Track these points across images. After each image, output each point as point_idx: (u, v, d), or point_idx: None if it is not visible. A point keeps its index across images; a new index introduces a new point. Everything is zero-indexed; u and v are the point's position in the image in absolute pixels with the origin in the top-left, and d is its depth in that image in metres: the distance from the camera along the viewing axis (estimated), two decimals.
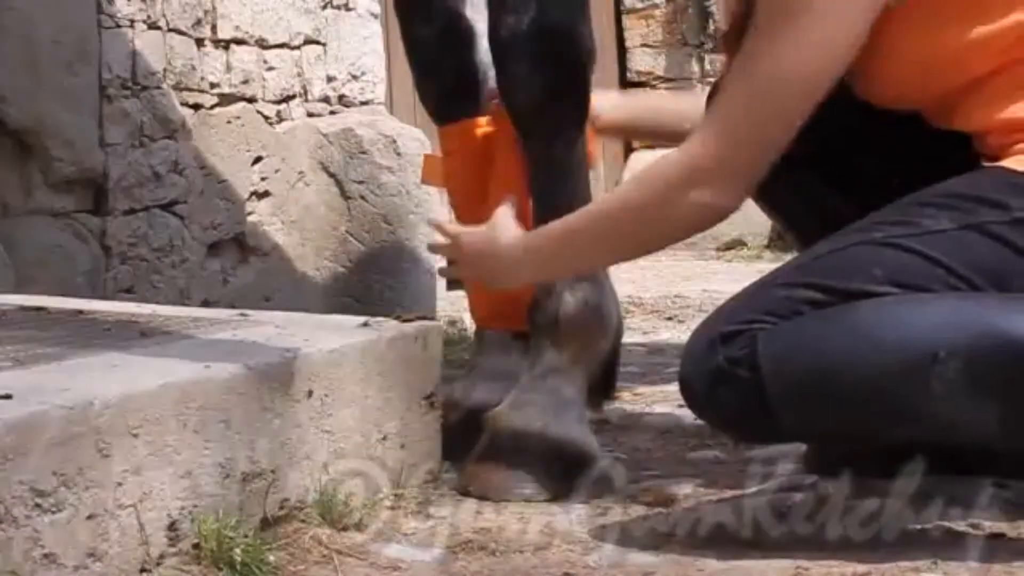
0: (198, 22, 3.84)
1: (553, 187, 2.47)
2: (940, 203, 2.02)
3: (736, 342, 1.99)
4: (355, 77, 4.51)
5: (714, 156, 2.03)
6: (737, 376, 1.98)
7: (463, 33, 2.67)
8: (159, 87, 3.69)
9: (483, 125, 2.65)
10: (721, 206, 2.05)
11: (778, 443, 2.23)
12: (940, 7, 2.06)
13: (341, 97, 4.44)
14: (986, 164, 2.06)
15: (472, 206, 2.67)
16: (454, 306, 4.29)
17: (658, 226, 2.11)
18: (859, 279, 1.99)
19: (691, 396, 2.07)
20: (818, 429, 2.04)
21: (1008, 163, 2.03)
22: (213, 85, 3.90)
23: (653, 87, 7.16)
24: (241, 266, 4.01)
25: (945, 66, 2.07)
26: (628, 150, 7.24)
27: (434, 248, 2.49)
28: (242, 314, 2.49)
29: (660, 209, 2.08)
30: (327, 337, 2.24)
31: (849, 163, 2.24)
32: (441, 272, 2.57)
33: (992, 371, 1.91)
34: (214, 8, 3.91)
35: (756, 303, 2.03)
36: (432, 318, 3.81)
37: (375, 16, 4.62)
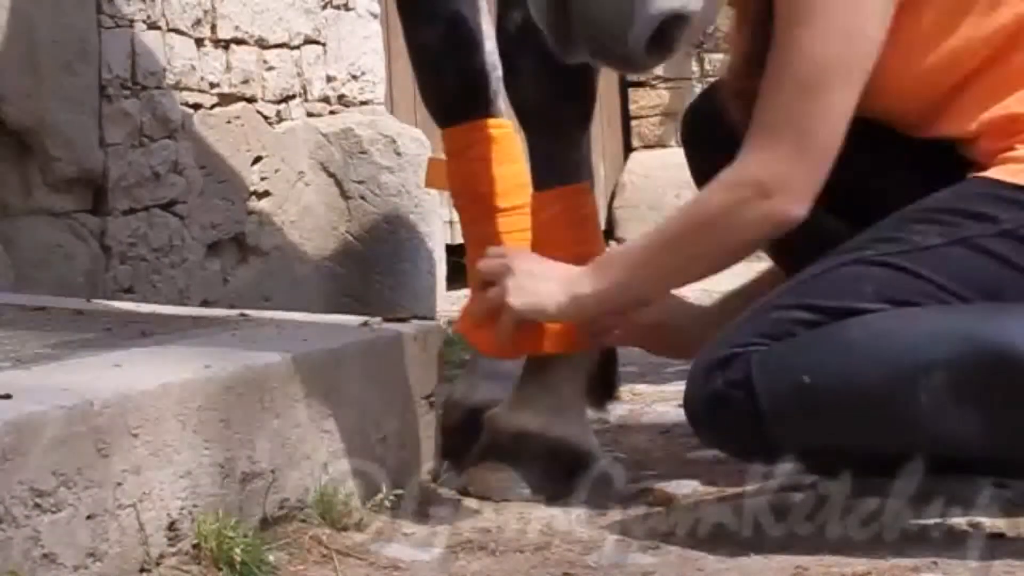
0: (198, 22, 3.84)
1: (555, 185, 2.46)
2: (929, 218, 2.04)
3: (733, 366, 2.03)
4: (355, 77, 4.51)
5: (774, 166, 2.05)
6: (734, 398, 2.02)
7: (467, 35, 2.66)
8: (159, 87, 3.69)
9: (488, 127, 2.64)
10: (790, 216, 2.06)
11: (778, 461, 2.24)
12: (945, 5, 2.07)
13: (341, 97, 4.44)
14: (973, 175, 2.07)
15: (476, 208, 2.66)
16: (454, 306, 4.29)
17: (727, 243, 2.11)
18: (849, 298, 2.02)
19: (694, 420, 2.11)
20: (813, 446, 2.07)
21: (994, 173, 2.04)
22: (213, 85, 3.90)
23: (652, 87, 7.16)
24: (241, 266, 4.00)
25: (946, 64, 2.08)
26: (628, 150, 7.23)
27: (482, 266, 2.30)
28: (242, 314, 2.49)
29: (727, 228, 2.09)
30: (327, 337, 2.24)
31: (838, 179, 2.25)
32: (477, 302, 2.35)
33: (976, 380, 1.93)
34: (214, 8, 3.91)
35: (751, 326, 2.06)
36: (430, 317, 3.82)
37: (375, 16, 4.62)
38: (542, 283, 2.21)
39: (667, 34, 1.93)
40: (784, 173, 2.04)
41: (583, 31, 1.95)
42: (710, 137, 2.39)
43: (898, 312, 1.99)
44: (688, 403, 2.09)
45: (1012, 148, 2.05)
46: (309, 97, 4.31)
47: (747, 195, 2.06)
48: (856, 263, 2.04)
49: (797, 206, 2.05)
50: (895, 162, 2.19)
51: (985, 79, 2.08)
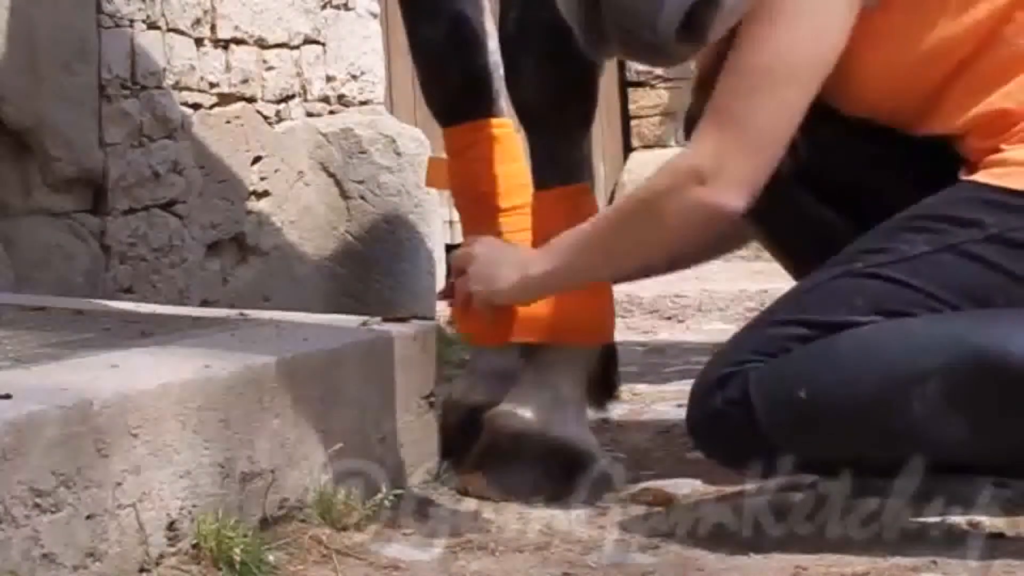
0: (197, 22, 3.84)
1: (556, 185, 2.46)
2: (917, 226, 2.06)
3: (731, 384, 2.06)
4: (355, 77, 4.51)
5: (714, 154, 2.04)
6: (733, 416, 2.05)
7: (470, 34, 2.65)
8: (159, 87, 3.69)
9: (490, 127, 2.64)
10: (724, 205, 2.05)
11: (781, 475, 2.25)
12: (918, 3, 2.08)
13: (340, 97, 4.44)
14: (962, 178, 2.08)
15: (477, 208, 2.66)
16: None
17: (662, 228, 2.11)
18: (842, 311, 2.04)
19: (697, 438, 2.16)
20: (814, 458, 2.09)
21: (980, 177, 2.05)
22: (212, 85, 3.90)
23: (652, 87, 7.16)
24: (240, 266, 4.00)
25: (926, 62, 2.09)
26: (627, 150, 7.23)
27: (453, 259, 2.37)
28: (242, 314, 2.49)
29: (662, 213, 2.09)
30: (327, 337, 2.24)
31: (838, 175, 2.25)
32: (443, 294, 2.46)
33: (969, 386, 1.95)
34: (213, 8, 3.91)
35: (747, 344, 2.09)
36: (429, 317, 3.82)
37: (375, 16, 4.62)
38: (499, 268, 2.25)
39: (698, 18, 1.91)
40: (721, 162, 2.04)
41: (612, 21, 1.93)
42: None
43: (889, 323, 2.01)
44: (690, 422, 2.13)
45: (998, 149, 2.05)
46: (309, 97, 4.31)
47: (684, 181, 2.07)
48: (846, 276, 2.06)
49: (731, 197, 2.05)
50: (893, 159, 2.20)
51: (969, 75, 2.09)
